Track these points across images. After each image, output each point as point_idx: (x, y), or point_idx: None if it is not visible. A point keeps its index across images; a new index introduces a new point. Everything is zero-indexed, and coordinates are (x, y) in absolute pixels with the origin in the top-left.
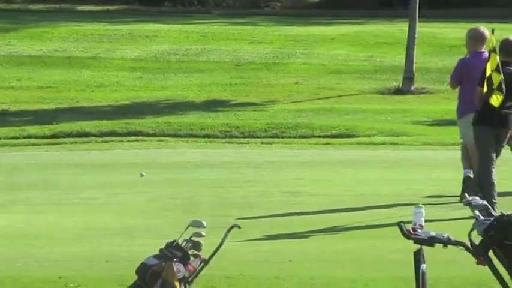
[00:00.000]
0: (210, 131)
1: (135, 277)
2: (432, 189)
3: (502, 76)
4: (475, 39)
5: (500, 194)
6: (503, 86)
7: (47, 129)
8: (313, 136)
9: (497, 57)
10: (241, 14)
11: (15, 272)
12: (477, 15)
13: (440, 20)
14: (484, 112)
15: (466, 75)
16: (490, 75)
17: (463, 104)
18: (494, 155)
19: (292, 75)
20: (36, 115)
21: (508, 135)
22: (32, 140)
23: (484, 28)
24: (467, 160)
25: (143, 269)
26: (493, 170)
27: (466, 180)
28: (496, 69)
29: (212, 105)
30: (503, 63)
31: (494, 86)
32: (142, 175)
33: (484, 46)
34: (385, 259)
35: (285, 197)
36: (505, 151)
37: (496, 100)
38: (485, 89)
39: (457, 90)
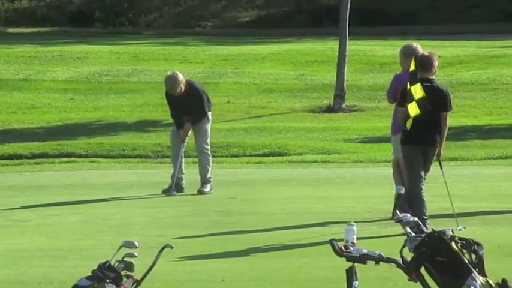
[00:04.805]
0: (142, 151)
1: None
2: (364, 206)
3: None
4: (409, 55)
5: (431, 211)
6: (425, 104)
7: None
8: (245, 155)
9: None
10: (172, 34)
11: None
12: (406, 33)
13: (370, 38)
14: (411, 131)
15: None
16: (410, 89)
17: (398, 121)
18: (423, 172)
19: (224, 94)
20: None
21: (436, 152)
22: None
23: (417, 45)
24: (399, 176)
25: None
26: (423, 187)
27: (398, 196)
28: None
29: (144, 126)
30: (421, 79)
31: (416, 98)
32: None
33: None
34: (318, 277)
35: (218, 216)
36: (434, 168)
37: (413, 109)
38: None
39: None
